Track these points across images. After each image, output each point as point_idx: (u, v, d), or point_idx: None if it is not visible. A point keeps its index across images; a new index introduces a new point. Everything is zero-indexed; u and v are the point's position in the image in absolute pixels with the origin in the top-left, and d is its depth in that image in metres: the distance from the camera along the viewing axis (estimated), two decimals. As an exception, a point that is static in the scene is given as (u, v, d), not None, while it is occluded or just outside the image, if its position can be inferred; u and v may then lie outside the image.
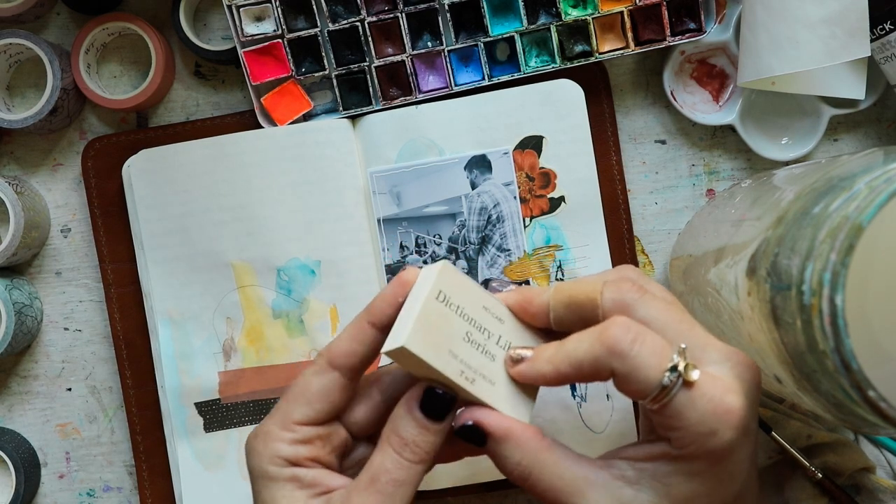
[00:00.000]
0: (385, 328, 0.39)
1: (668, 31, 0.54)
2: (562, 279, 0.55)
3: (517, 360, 0.39)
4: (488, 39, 0.55)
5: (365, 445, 0.42)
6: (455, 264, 0.55)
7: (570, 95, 0.55)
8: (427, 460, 0.38)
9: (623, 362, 0.35)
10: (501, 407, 0.39)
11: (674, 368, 0.35)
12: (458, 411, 0.39)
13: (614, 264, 0.56)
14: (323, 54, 0.55)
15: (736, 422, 0.35)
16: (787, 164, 0.56)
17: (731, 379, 0.36)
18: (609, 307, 0.38)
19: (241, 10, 0.54)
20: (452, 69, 0.55)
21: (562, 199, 0.55)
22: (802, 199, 0.37)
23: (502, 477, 0.54)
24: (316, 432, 0.39)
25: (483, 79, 0.55)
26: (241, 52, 0.54)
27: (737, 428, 0.35)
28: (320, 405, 0.39)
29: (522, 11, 0.54)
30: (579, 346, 0.37)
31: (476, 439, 0.38)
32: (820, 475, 0.52)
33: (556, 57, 0.55)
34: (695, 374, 0.35)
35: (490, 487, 0.56)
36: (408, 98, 0.55)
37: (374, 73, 0.55)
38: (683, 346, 0.36)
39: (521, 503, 0.58)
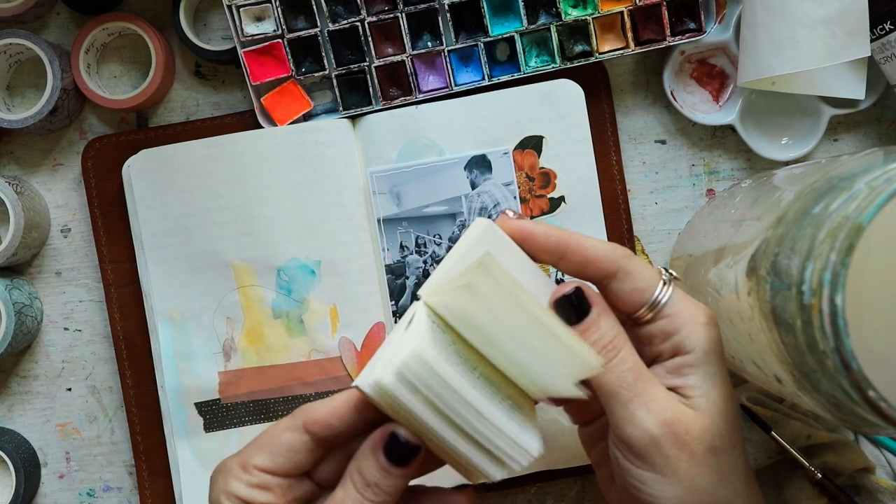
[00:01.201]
0: (367, 420, 0.39)
1: (668, 31, 0.54)
2: (562, 279, 0.55)
3: (520, 216, 0.42)
4: (488, 39, 0.55)
5: (330, 493, 0.41)
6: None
7: (570, 95, 0.55)
8: (389, 501, 0.38)
9: (631, 262, 0.40)
10: (474, 457, 0.37)
11: (666, 270, 0.41)
12: (556, 288, 0.40)
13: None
14: (323, 54, 0.55)
15: (711, 313, 0.40)
16: (787, 164, 0.56)
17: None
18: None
19: (241, 10, 0.54)
20: (452, 69, 0.55)
21: (562, 199, 0.55)
22: (802, 199, 0.37)
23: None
24: (276, 481, 0.39)
25: (483, 79, 0.55)
26: (241, 52, 0.54)
27: (715, 319, 0.40)
28: (283, 460, 0.38)
29: (522, 11, 0.54)
30: (588, 238, 0.41)
31: (582, 306, 0.39)
32: (819, 475, 0.52)
33: (556, 57, 0.55)
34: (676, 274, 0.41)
35: (490, 487, 0.56)
36: (408, 98, 0.55)
37: (374, 73, 0.55)
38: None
39: (520, 503, 0.58)
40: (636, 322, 0.40)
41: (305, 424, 0.39)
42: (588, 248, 0.40)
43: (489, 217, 0.55)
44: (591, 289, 0.40)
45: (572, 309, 0.39)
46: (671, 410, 0.37)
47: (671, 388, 0.39)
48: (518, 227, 0.41)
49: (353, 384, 0.37)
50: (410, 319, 0.38)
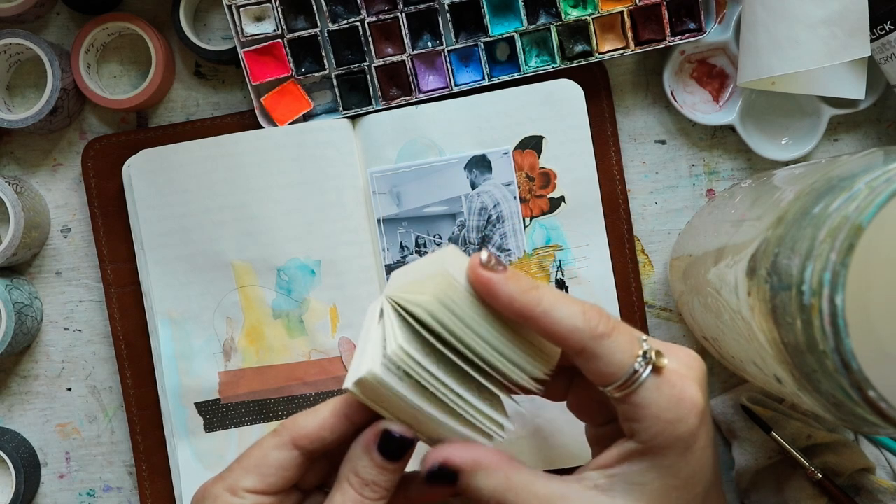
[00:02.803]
0: (356, 427, 0.39)
1: (668, 31, 0.54)
2: (562, 279, 0.55)
3: (487, 266, 0.37)
4: (488, 39, 0.55)
5: (317, 494, 0.41)
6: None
7: (570, 95, 0.55)
8: (387, 496, 0.38)
9: (601, 344, 0.36)
10: (464, 430, 0.38)
11: (644, 354, 0.36)
12: (424, 457, 0.38)
13: (614, 264, 0.56)
14: (323, 54, 0.55)
15: (697, 408, 0.36)
16: (787, 164, 0.56)
17: (682, 368, 0.38)
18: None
19: (241, 10, 0.54)
20: (452, 69, 0.55)
21: (562, 199, 0.55)
22: (802, 199, 0.37)
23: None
24: (268, 500, 0.38)
25: (483, 79, 0.55)
26: (241, 52, 0.54)
27: (699, 415, 0.36)
28: (273, 479, 0.38)
29: (522, 11, 0.54)
30: (563, 305, 0.36)
31: (448, 478, 0.37)
32: (819, 475, 0.52)
33: (556, 57, 0.55)
34: (664, 361, 0.37)
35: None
36: (408, 98, 0.55)
37: (374, 73, 0.55)
38: (644, 337, 0.38)
39: (521, 503, 0.58)
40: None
41: (294, 440, 0.38)
42: (553, 323, 0.36)
43: (489, 217, 0.55)
44: (450, 456, 0.37)
45: (441, 479, 0.37)
46: None
47: (621, 468, 0.38)
48: (483, 282, 0.37)
49: (344, 387, 0.37)
50: (380, 316, 0.39)
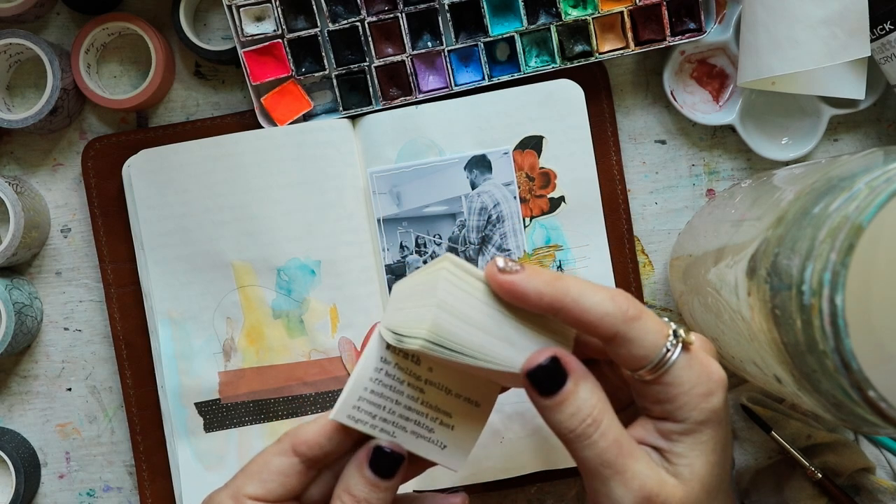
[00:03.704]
0: (355, 438, 0.39)
1: (668, 31, 0.54)
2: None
3: (505, 270, 0.37)
4: (488, 39, 0.55)
5: None
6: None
7: (570, 95, 0.55)
8: None
9: (632, 327, 0.36)
10: (436, 456, 0.40)
11: (675, 333, 0.37)
12: (527, 362, 0.37)
13: (614, 264, 0.56)
14: (323, 54, 0.55)
15: (724, 382, 0.37)
16: (787, 164, 0.56)
17: (704, 348, 0.39)
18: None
19: (241, 10, 0.54)
20: (452, 69, 0.55)
21: (562, 199, 0.55)
22: (802, 199, 0.37)
23: (502, 477, 0.55)
24: None
25: (483, 79, 0.55)
26: (241, 52, 0.54)
27: (723, 386, 0.37)
28: (274, 486, 0.38)
29: (522, 11, 0.54)
30: (592, 292, 0.36)
31: (556, 379, 0.36)
32: (819, 475, 0.52)
33: (556, 57, 0.55)
34: (693, 337, 0.37)
35: (490, 487, 0.56)
36: (408, 98, 0.55)
37: (374, 73, 0.55)
38: (665, 318, 0.38)
39: (520, 503, 0.58)
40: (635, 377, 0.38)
41: (294, 447, 0.39)
42: (584, 311, 0.36)
43: (489, 217, 0.55)
44: (565, 354, 0.37)
45: (547, 380, 0.36)
46: (650, 486, 0.36)
47: (657, 448, 0.38)
48: (507, 286, 0.36)
49: (330, 418, 0.39)
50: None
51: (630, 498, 0.36)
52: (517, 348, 0.37)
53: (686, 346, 0.37)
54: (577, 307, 0.36)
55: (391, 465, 0.38)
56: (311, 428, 0.39)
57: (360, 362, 0.39)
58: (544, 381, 0.36)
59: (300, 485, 0.39)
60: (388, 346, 0.39)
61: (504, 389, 0.42)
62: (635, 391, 0.39)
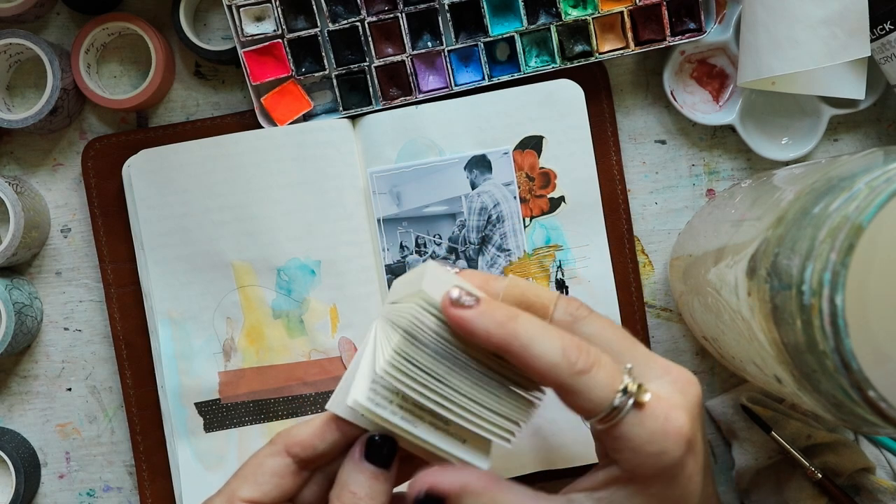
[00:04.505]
0: (348, 438, 0.39)
1: (668, 31, 0.54)
2: (562, 279, 0.55)
3: (458, 303, 0.36)
4: (488, 39, 0.55)
5: None
6: (455, 264, 0.55)
7: (570, 95, 0.55)
8: None
9: (578, 381, 0.36)
10: (457, 451, 0.39)
11: (624, 390, 0.36)
12: (411, 482, 0.37)
13: (614, 264, 0.56)
14: (323, 54, 0.55)
15: (683, 439, 0.36)
16: (787, 164, 0.56)
17: (673, 395, 0.37)
18: (559, 317, 0.39)
19: (241, 10, 0.54)
20: (452, 69, 0.55)
21: (562, 199, 0.55)
22: (802, 199, 0.37)
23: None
24: None
25: (483, 79, 0.55)
26: (241, 52, 0.54)
27: (684, 445, 0.36)
28: (269, 487, 0.38)
29: (522, 11, 0.54)
30: (542, 339, 0.36)
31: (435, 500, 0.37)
32: (819, 475, 0.52)
33: (556, 57, 0.55)
34: (646, 396, 0.36)
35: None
36: (408, 98, 0.55)
37: (374, 73, 0.55)
38: (629, 366, 0.37)
39: (521, 503, 0.58)
40: None
41: (287, 447, 0.39)
42: (532, 357, 0.35)
43: (488, 217, 0.55)
44: (438, 484, 0.37)
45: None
46: None
47: (599, 488, 0.38)
48: (457, 321, 0.36)
49: (326, 408, 0.39)
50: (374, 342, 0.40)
51: None
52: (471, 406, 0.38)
53: (638, 405, 0.36)
54: (524, 353, 0.36)
55: (387, 453, 0.38)
56: (304, 429, 0.39)
57: (367, 351, 0.39)
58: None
59: (294, 486, 0.39)
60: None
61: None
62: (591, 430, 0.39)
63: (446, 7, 0.54)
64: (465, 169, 0.55)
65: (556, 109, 0.55)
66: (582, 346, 0.36)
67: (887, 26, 0.50)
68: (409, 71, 0.55)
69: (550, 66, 0.55)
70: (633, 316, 0.56)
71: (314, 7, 0.54)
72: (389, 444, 0.39)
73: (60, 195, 0.59)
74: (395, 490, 0.41)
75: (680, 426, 0.36)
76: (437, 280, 0.39)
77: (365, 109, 0.56)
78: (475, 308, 0.36)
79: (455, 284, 0.38)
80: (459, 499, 0.37)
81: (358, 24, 0.54)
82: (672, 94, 0.56)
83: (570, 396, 0.36)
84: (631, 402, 0.36)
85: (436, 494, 0.36)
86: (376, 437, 0.38)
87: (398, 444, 0.39)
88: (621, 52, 0.55)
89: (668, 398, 0.37)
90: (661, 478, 0.36)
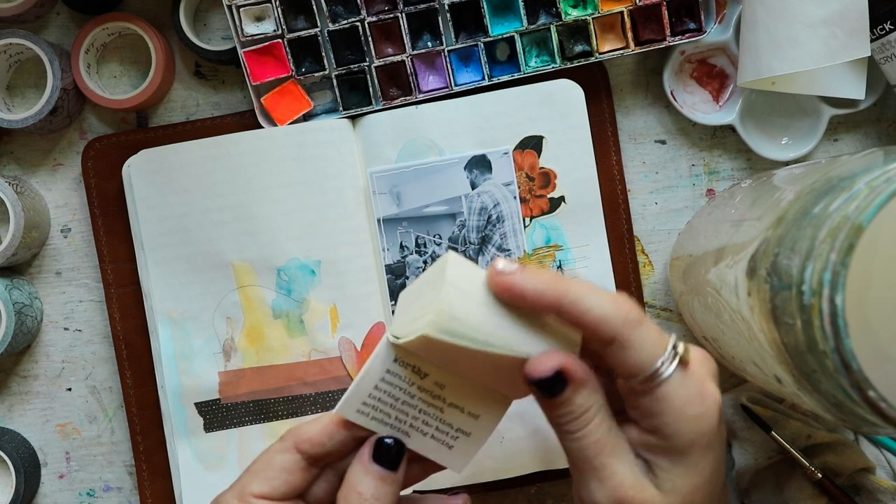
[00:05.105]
0: (357, 437, 0.40)
1: (668, 31, 0.54)
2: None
3: (505, 271, 0.37)
4: (488, 39, 0.55)
5: None
6: None
7: (570, 95, 0.55)
8: None
9: (633, 332, 0.36)
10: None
11: (674, 347, 0.36)
12: (529, 363, 0.37)
13: (614, 264, 0.56)
14: (323, 54, 0.55)
15: (717, 406, 0.37)
16: (787, 164, 0.56)
17: (704, 362, 0.38)
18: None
19: (241, 10, 0.54)
20: (452, 69, 0.55)
21: (562, 199, 0.55)
22: (802, 199, 0.37)
23: (502, 477, 0.55)
24: None
25: (483, 79, 0.55)
26: (241, 52, 0.54)
27: (718, 412, 0.37)
28: (279, 483, 0.39)
29: (522, 11, 0.54)
30: (592, 294, 0.36)
31: (558, 385, 0.36)
32: (819, 475, 0.52)
33: (556, 57, 0.55)
34: (693, 353, 0.37)
35: (490, 487, 0.56)
36: (408, 98, 0.55)
37: (374, 73, 0.55)
38: (674, 335, 0.38)
39: (520, 503, 0.58)
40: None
41: (297, 444, 0.39)
42: (584, 311, 0.36)
43: (489, 217, 0.55)
44: (570, 364, 0.37)
45: (548, 387, 0.36)
46: (626, 489, 0.36)
47: (644, 458, 0.37)
48: (506, 286, 0.36)
49: (335, 412, 0.39)
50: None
51: (604, 495, 0.36)
52: (525, 345, 0.37)
53: (683, 363, 0.36)
54: (576, 308, 0.36)
55: (395, 456, 0.39)
56: (314, 426, 0.40)
57: (368, 362, 0.39)
58: (546, 389, 0.37)
59: (304, 482, 0.39)
60: (396, 359, 0.39)
61: (506, 405, 0.42)
62: (628, 402, 0.38)
63: (446, 7, 0.54)
64: (465, 169, 0.55)
65: (556, 109, 0.55)
66: (632, 301, 0.37)
67: (887, 26, 0.50)
68: (409, 71, 0.55)
69: (550, 66, 0.55)
70: (633, 316, 0.56)
71: (314, 7, 0.54)
72: (398, 446, 0.39)
73: (60, 195, 0.59)
74: (402, 493, 0.41)
75: (714, 392, 0.37)
76: (460, 268, 0.39)
77: (365, 109, 0.56)
78: (521, 273, 0.37)
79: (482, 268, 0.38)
80: (582, 386, 0.37)
81: (358, 24, 0.54)
82: (672, 94, 0.56)
83: (622, 350, 0.36)
84: (677, 361, 0.36)
85: (566, 376, 0.36)
86: (385, 440, 0.39)
87: (406, 447, 0.39)
88: (621, 52, 0.55)
89: (703, 363, 0.37)
90: (698, 446, 0.36)
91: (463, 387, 0.40)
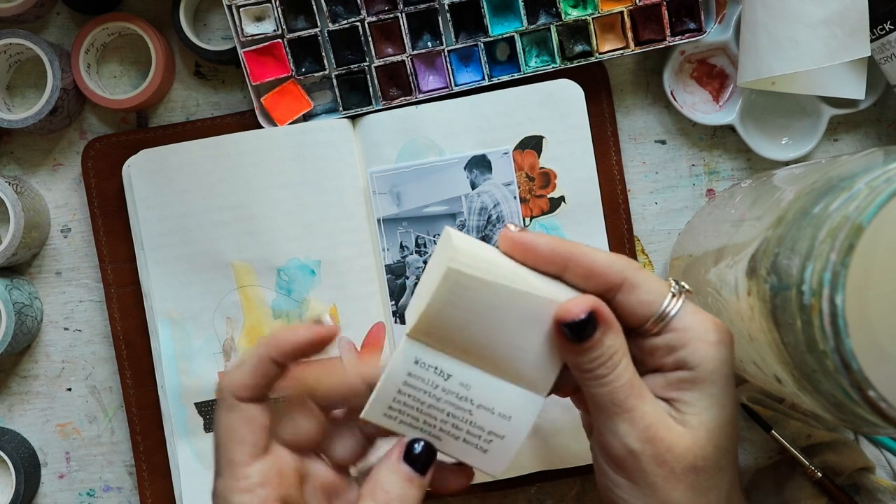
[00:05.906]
0: (326, 337, 0.40)
1: (668, 31, 0.54)
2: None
3: (515, 232, 0.39)
4: (488, 39, 0.55)
5: (356, 485, 0.41)
6: None
7: (570, 95, 0.55)
8: None
9: (638, 273, 0.38)
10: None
11: (677, 282, 0.39)
12: (561, 306, 0.38)
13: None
14: (323, 54, 0.55)
15: (730, 335, 0.38)
16: (787, 164, 0.56)
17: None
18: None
19: (241, 10, 0.54)
20: (452, 69, 0.55)
21: (562, 199, 0.55)
22: (802, 199, 0.37)
23: (501, 477, 0.55)
24: (264, 470, 0.38)
25: (483, 79, 0.55)
26: (241, 52, 0.54)
27: (730, 337, 0.38)
28: (251, 436, 0.39)
29: (522, 11, 0.54)
30: (595, 250, 0.39)
31: (589, 328, 0.37)
32: (819, 475, 0.52)
33: (556, 57, 0.55)
34: (689, 287, 0.39)
35: (490, 487, 0.56)
36: (408, 98, 0.55)
37: (374, 73, 0.55)
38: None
39: (520, 503, 0.58)
40: (642, 334, 0.39)
41: (237, 397, 0.39)
42: (593, 260, 0.38)
43: (488, 217, 0.55)
44: (601, 306, 0.38)
45: (580, 330, 0.37)
46: (656, 428, 0.37)
47: (667, 399, 0.38)
48: (519, 240, 0.39)
49: (362, 415, 0.39)
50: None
51: (634, 435, 0.37)
52: (547, 291, 0.38)
53: (688, 293, 0.39)
54: (586, 258, 0.38)
55: (425, 459, 0.39)
56: (242, 371, 0.40)
57: (389, 364, 0.39)
58: (577, 332, 0.37)
59: (272, 421, 0.40)
60: (416, 360, 0.38)
61: (537, 405, 0.41)
62: (644, 351, 0.39)
63: (446, 7, 0.54)
64: (465, 169, 0.55)
65: (556, 109, 0.55)
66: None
67: (887, 26, 0.50)
68: (409, 71, 0.55)
69: (550, 66, 0.55)
70: (633, 316, 0.56)
71: (314, 7, 0.54)
72: (428, 449, 0.39)
73: (60, 195, 0.59)
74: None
75: (720, 321, 0.39)
76: (463, 238, 0.39)
77: (365, 109, 0.56)
78: (532, 233, 0.39)
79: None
80: (611, 328, 0.38)
81: (358, 24, 0.54)
82: (672, 94, 0.56)
83: (633, 291, 0.38)
84: (683, 295, 0.38)
85: (598, 319, 0.37)
86: (416, 442, 0.39)
87: (436, 451, 0.39)
88: (621, 52, 0.55)
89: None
90: (722, 375, 0.38)
91: (490, 386, 0.39)
